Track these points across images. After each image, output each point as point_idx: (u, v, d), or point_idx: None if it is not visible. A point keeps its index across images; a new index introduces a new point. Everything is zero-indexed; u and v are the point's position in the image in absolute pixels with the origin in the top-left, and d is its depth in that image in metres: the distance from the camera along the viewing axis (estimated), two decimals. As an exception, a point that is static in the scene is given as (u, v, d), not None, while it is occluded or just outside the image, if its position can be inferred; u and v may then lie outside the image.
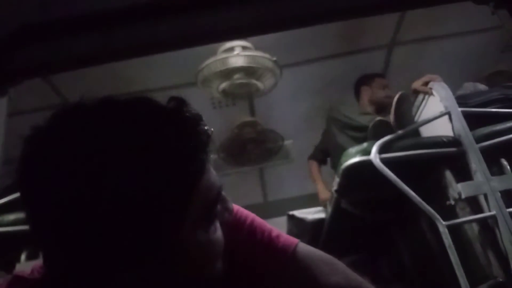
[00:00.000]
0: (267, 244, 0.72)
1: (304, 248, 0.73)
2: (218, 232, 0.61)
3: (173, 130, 0.55)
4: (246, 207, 0.78)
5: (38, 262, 0.63)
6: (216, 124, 3.63)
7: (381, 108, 3.08)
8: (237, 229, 0.73)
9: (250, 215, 0.76)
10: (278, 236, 0.74)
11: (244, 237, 0.73)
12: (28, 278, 0.62)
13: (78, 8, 0.91)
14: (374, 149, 2.08)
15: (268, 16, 1.07)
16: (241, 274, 0.72)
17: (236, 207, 0.76)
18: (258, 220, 0.76)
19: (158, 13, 0.98)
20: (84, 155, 0.51)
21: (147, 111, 0.57)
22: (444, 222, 1.86)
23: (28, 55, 0.91)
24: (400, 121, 2.29)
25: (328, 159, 3.15)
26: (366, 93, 3.10)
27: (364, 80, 3.15)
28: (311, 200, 3.28)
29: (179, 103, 0.59)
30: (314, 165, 3.21)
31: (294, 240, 0.74)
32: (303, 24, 1.18)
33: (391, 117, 2.42)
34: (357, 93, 3.17)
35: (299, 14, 1.07)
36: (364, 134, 2.49)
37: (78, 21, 0.91)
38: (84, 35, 0.94)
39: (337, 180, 2.32)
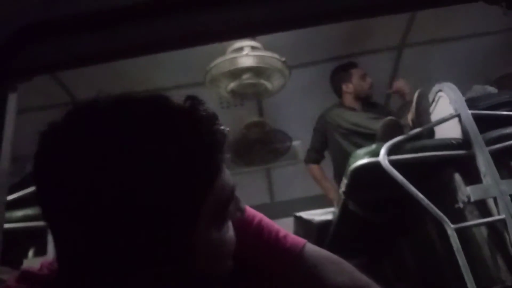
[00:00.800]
0: (274, 244, 0.73)
1: (311, 248, 0.73)
2: (230, 231, 0.62)
3: (188, 129, 0.55)
4: (253, 207, 0.78)
5: (47, 258, 0.63)
6: (224, 124, 3.62)
7: (368, 100, 3.08)
8: (245, 228, 0.73)
9: (258, 215, 0.76)
10: (285, 236, 0.74)
11: (252, 236, 0.73)
12: (37, 274, 0.62)
13: (86, 5, 0.91)
14: (383, 151, 2.07)
15: (278, 15, 1.06)
16: (248, 274, 0.72)
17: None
18: (266, 220, 0.76)
19: (166, 11, 0.98)
20: (100, 155, 0.51)
21: (163, 111, 0.57)
22: (452, 225, 1.85)
23: (37, 52, 0.92)
24: (418, 119, 2.28)
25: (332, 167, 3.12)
26: (349, 90, 3.08)
27: (342, 77, 3.12)
28: (318, 201, 3.27)
29: (195, 102, 0.59)
30: (315, 168, 3.18)
31: (301, 240, 0.74)
32: (313, 23, 1.18)
33: (409, 116, 2.41)
34: (339, 92, 3.15)
35: (310, 13, 1.07)
36: (372, 142, 2.47)
37: (86, 18, 0.91)
38: (92, 32, 0.94)
39: (345, 181, 2.31)
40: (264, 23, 1.08)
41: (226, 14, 1.04)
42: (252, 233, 0.73)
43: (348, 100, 3.09)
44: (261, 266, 0.72)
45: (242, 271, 0.72)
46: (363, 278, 0.72)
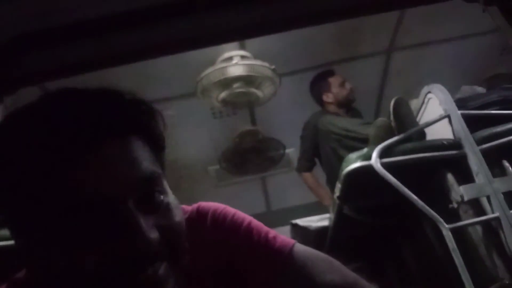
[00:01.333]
0: (263, 245, 0.73)
1: (300, 248, 0.74)
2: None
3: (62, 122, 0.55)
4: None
5: None
6: (218, 134, 3.66)
7: (350, 104, 3.10)
8: (234, 231, 0.74)
9: (247, 218, 0.77)
10: (274, 237, 0.74)
11: (241, 239, 0.74)
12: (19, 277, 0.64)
13: (74, 16, 0.91)
14: (375, 154, 2.08)
15: (268, 17, 1.07)
16: (239, 276, 0.72)
17: (233, 210, 0.77)
18: (255, 222, 0.77)
19: (156, 17, 0.98)
20: None
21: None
22: (447, 225, 1.85)
23: (24, 63, 0.91)
24: (401, 125, 2.28)
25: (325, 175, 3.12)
26: (330, 100, 3.10)
27: (321, 88, 3.13)
28: (315, 209, 3.27)
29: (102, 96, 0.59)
30: (308, 176, 3.17)
31: (290, 240, 0.75)
32: (300, 24, 1.19)
33: (392, 123, 2.42)
34: (320, 102, 3.16)
35: (300, 14, 1.07)
36: (366, 145, 2.47)
37: (74, 28, 0.92)
38: (80, 42, 0.94)
39: (338, 186, 2.31)
40: (253, 26, 1.09)
41: (215, 19, 1.05)
42: (241, 236, 0.74)
43: (331, 108, 3.10)
44: (251, 267, 0.72)
45: (233, 274, 0.72)
46: (352, 275, 0.72)
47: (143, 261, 0.53)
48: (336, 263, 0.73)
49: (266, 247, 0.72)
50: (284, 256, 0.71)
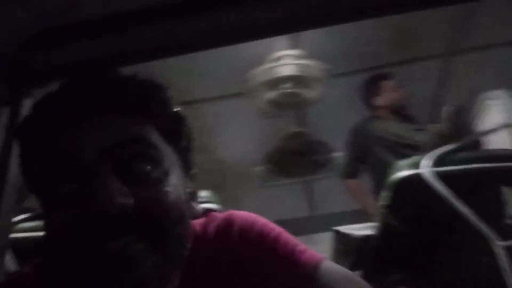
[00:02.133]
0: (288, 257, 0.67)
1: (328, 265, 0.68)
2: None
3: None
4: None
5: None
6: (264, 135, 3.63)
7: (402, 111, 2.97)
8: (260, 241, 0.69)
9: (276, 229, 0.72)
10: (302, 251, 0.68)
11: (266, 249, 0.69)
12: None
13: (102, 8, 0.89)
14: (426, 162, 1.98)
15: (319, 9, 1.00)
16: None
17: (263, 220, 0.73)
18: (285, 234, 0.72)
19: (188, 11, 0.94)
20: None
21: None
22: (500, 243, 1.74)
23: (53, 57, 0.90)
24: (457, 133, 2.18)
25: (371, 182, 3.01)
26: (381, 104, 2.96)
27: (373, 91, 2.99)
28: (359, 216, 3.18)
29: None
30: (353, 183, 3.05)
31: (319, 256, 0.69)
32: (351, 19, 1.11)
33: (447, 130, 2.31)
34: (369, 105, 3.03)
35: (347, 8, 1.00)
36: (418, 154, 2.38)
37: (102, 22, 0.89)
38: (108, 36, 0.91)
39: (386, 194, 2.23)
40: (301, 18, 1.03)
41: (259, 11, 1.00)
42: (267, 246, 0.69)
43: (381, 113, 2.98)
44: (274, 281, 0.67)
45: (256, 285, 0.67)
46: None
47: (111, 226, 0.52)
48: (364, 283, 0.67)
49: (291, 259, 0.67)
50: (308, 270, 0.66)
